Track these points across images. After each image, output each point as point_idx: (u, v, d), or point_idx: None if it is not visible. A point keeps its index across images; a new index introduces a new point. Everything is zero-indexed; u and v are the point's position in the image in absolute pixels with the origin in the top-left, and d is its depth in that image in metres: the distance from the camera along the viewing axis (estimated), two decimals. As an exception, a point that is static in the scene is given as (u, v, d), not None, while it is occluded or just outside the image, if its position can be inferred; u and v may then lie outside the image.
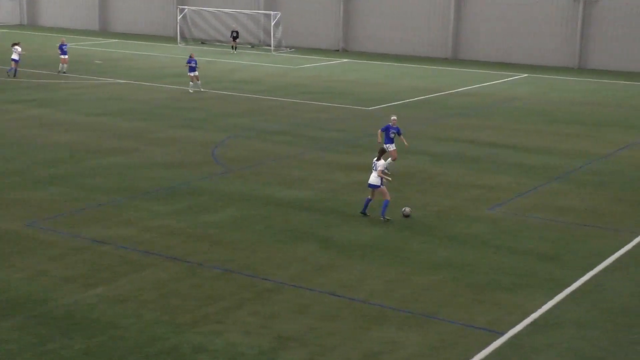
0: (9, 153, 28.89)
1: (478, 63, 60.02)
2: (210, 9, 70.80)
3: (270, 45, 66.45)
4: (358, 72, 53.94)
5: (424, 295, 16.86)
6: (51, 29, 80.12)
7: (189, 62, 43.69)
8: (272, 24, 66.05)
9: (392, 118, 26.85)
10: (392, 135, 26.35)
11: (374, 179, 21.64)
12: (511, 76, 53.34)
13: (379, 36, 65.46)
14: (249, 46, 68.34)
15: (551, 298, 16.79)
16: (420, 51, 63.79)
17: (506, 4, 59.86)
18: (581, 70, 56.99)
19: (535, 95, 45.22)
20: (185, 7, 71.73)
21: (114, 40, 71.60)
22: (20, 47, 47.62)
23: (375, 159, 21.76)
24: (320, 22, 67.78)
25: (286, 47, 67.03)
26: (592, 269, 18.52)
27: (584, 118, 38.24)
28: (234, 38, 64.98)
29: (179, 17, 70.74)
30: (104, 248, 19.35)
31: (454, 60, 61.86)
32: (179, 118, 36.28)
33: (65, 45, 49.67)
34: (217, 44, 70.01)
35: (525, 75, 54.10)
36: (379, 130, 26.77)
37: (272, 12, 66.52)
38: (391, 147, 26.20)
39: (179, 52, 63.01)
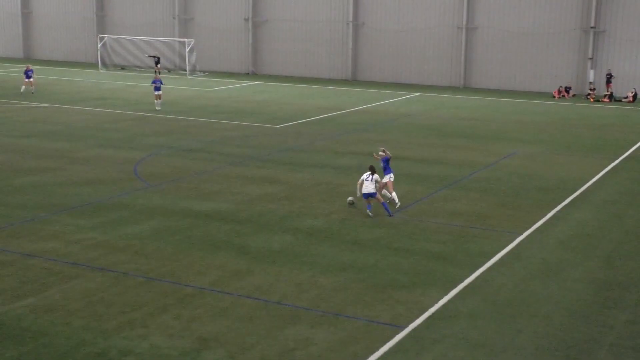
0: (-63, 174, 27.77)
1: (375, 84, 60.77)
2: (129, 37, 69.71)
3: (185, 70, 65.83)
4: (267, 94, 53.91)
5: (332, 295, 16.94)
6: (-24, 57, 77.54)
7: (154, 82, 44.28)
8: (187, 50, 65.46)
9: (380, 149, 24.72)
10: (382, 165, 24.20)
11: (371, 188, 22.69)
12: (405, 95, 54.18)
13: (286, 60, 65.64)
14: (166, 71, 67.54)
15: (446, 293, 17.10)
16: (323, 74, 64.27)
17: (398, 31, 60.81)
18: (466, 89, 58.37)
19: (427, 112, 46.03)
20: (105, 35, 70.40)
21: (38, 66, 69.59)
22: None
23: (369, 174, 22.74)
24: (231, 48, 67.54)
25: (200, 71, 66.54)
26: (480, 266, 18.95)
27: (470, 132, 39.11)
28: (156, 63, 64.04)
29: (99, 45, 69.37)
30: (32, 261, 18.76)
31: (353, 81, 62.50)
32: (101, 138, 35.52)
33: (31, 70, 50.79)
34: (136, 69, 68.94)
35: (418, 94, 55.05)
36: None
37: (186, 39, 65.92)
38: (386, 178, 24.04)
39: (101, 77, 61.80)
